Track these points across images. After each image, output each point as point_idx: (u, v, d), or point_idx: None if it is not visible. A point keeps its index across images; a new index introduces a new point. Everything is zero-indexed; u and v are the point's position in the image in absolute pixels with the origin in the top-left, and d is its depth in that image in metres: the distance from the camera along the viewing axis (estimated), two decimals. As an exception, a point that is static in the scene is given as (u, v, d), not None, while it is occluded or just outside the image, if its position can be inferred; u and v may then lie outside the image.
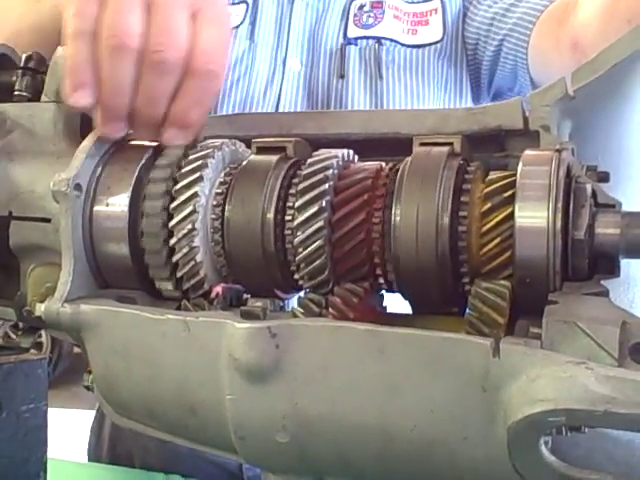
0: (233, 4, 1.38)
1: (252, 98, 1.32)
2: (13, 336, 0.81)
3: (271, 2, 1.38)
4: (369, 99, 1.31)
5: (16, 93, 0.75)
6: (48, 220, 0.67)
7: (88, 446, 1.44)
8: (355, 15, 1.36)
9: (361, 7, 1.37)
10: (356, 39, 1.34)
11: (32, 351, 0.81)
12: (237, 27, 1.36)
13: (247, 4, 1.38)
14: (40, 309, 0.64)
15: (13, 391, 0.76)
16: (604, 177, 0.59)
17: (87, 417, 1.53)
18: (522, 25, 1.28)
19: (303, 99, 1.32)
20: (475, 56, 1.37)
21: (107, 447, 1.39)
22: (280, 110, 1.30)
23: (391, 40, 1.34)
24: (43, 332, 0.79)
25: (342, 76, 1.31)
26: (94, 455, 1.42)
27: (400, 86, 1.32)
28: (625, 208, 0.56)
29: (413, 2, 1.39)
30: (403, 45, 1.34)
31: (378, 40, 1.33)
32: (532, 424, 0.45)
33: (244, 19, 1.36)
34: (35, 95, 0.74)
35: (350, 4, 1.38)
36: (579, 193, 0.55)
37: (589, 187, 0.55)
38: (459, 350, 0.50)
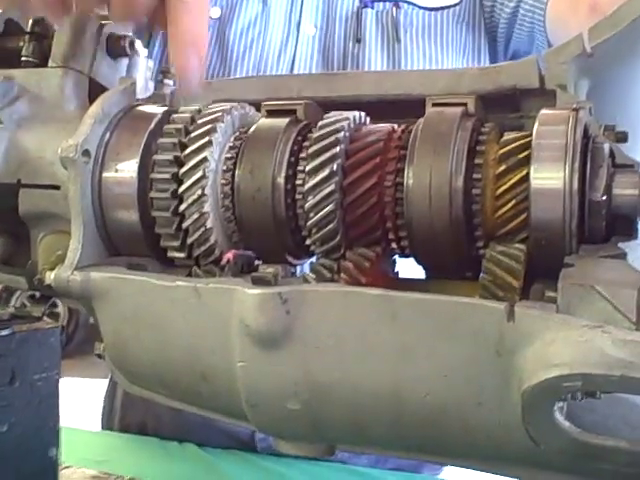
0: None
1: (266, 62, 1.30)
2: (13, 310, 0.81)
3: None
4: (386, 63, 1.29)
5: (23, 59, 0.74)
6: (57, 187, 0.67)
7: (101, 415, 1.45)
8: None
9: None
10: (372, 2, 1.31)
11: (45, 319, 0.81)
12: None
13: None
14: (50, 277, 0.64)
15: (26, 360, 0.76)
16: (622, 137, 0.57)
17: (104, 386, 1.53)
18: None
19: (318, 63, 1.30)
20: (492, 19, 1.34)
21: (119, 416, 1.40)
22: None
23: (408, 2, 1.31)
24: (59, 302, 0.79)
25: (358, 40, 1.29)
26: (107, 424, 1.43)
27: (418, 50, 1.29)
28: (645, 169, 0.55)
29: None
30: (421, 8, 1.31)
31: (395, 3, 1.31)
32: (547, 389, 0.44)
33: None
34: (42, 61, 0.73)
35: None
36: (596, 153, 0.53)
37: (607, 147, 0.54)
38: (473, 314, 0.49)
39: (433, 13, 1.31)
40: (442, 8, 1.32)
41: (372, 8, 1.31)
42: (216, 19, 1.32)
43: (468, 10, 1.34)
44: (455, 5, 1.32)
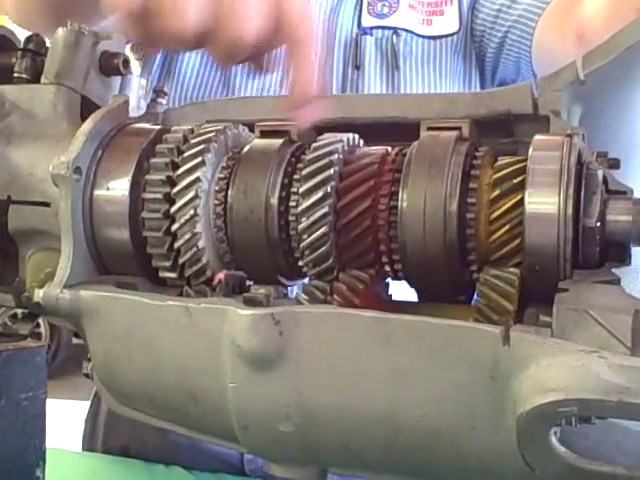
0: None
1: (269, 88, 1.30)
2: (11, 325, 0.80)
3: None
4: (385, 90, 1.29)
5: (15, 75, 0.73)
6: (48, 204, 0.66)
7: (82, 436, 1.43)
8: (369, 4, 1.34)
9: None
10: (371, 29, 1.32)
11: (30, 339, 0.80)
12: None
13: None
14: (39, 295, 0.63)
15: (12, 379, 0.75)
16: (615, 164, 0.57)
17: (86, 408, 1.51)
18: (527, 17, 1.27)
19: None
20: (480, 48, 1.36)
21: (102, 438, 1.38)
22: None
23: (407, 31, 1.32)
24: (41, 321, 0.78)
25: (357, 67, 1.29)
26: (88, 446, 1.40)
27: (417, 78, 1.30)
28: (637, 195, 0.55)
29: None
30: (419, 36, 1.32)
31: (395, 30, 1.32)
32: (543, 414, 0.44)
33: None
34: (35, 77, 0.73)
35: None
36: (590, 179, 0.54)
37: (600, 173, 0.54)
38: (468, 338, 0.49)
39: (432, 42, 1.32)
40: (440, 36, 1.33)
41: (371, 35, 1.32)
42: None
43: (464, 39, 1.35)
44: (453, 34, 1.34)
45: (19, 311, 0.77)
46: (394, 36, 1.31)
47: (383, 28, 1.32)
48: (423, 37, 1.32)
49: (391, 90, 1.29)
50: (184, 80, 1.32)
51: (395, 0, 1.34)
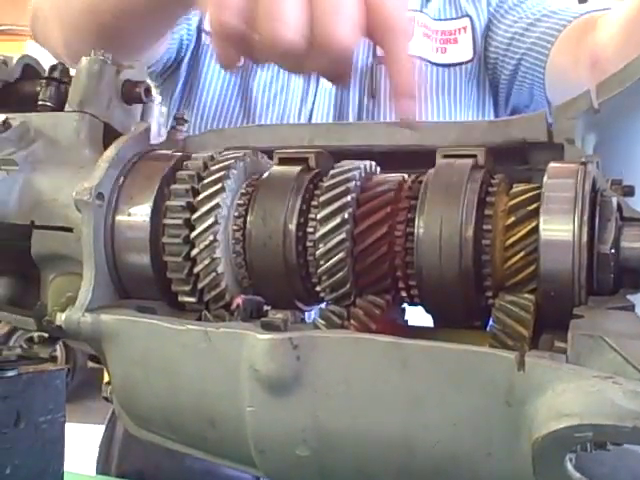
0: None
1: (288, 117, 1.32)
2: (20, 351, 0.81)
3: None
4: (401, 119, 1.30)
5: (40, 103, 0.75)
6: (70, 229, 0.67)
7: (97, 460, 1.43)
8: None
9: None
10: None
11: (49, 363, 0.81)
12: None
13: None
14: (61, 318, 0.64)
15: (32, 402, 0.76)
16: (629, 191, 0.58)
17: (100, 432, 1.52)
18: (540, 44, 1.28)
19: (335, 118, 1.31)
20: (494, 75, 1.37)
21: (116, 462, 1.38)
22: None
23: (421, 59, 1.33)
24: (57, 345, 0.79)
25: (373, 96, 1.31)
26: (102, 469, 1.40)
27: (432, 105, 1.32)
28: (651, 222, 0.56)
29: (441, 19, 1.39)
30: (434, 64, 1.34)
31: None
32: (558, 439, 0.44)
33: None
34: (59, 105, 0.74)
35: None
36: (605, 206, 0.54)
37: (615, 200, 0.55)
38: (483, 363, 0.49)
39: (447, 70, 1.33)
40: (454, 64, 1.34)
41: None
42: (237, 74, 1.34)
43: (478, 67, 1.36)
44: (468, 62, 1.35)
45: (35, 334, 0.78)
46: None
47: None
48: (437, 65, 1.34)
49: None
50: (204, 109, 1.34)
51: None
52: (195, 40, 1.39)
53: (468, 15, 1.38)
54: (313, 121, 1.31)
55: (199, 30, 1.39)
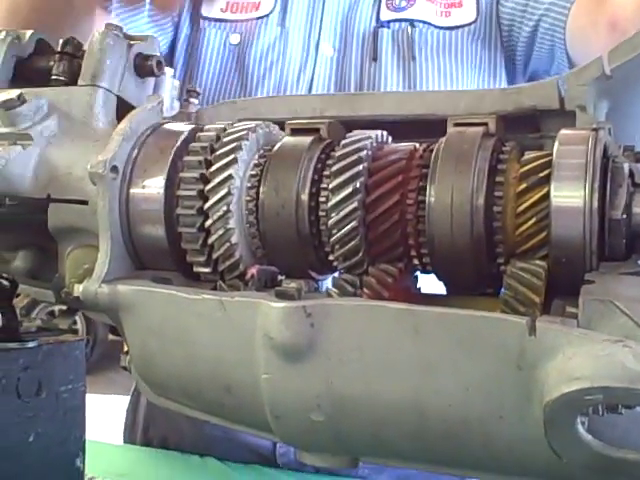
0: None
1: (285, 84, 1.32)
2: (40, 323, 0.82)
3: None
4: (402, 81, 1.30)
5: (53, 77, 0.76)
6: (85, 202, 0.68)
7: (123, 429, 1.46)
8: None
9: None
10: (389, 22, 1.33)
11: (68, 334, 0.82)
12: (268, 15, 1.36)
13: None
14: (78, 290, 0.65)
15: (52, 372, 0.77)
16: (642, 157, 0.58)
17: (123, 403, 1.54)
18: (559, 4, 1.26)
19: (336, 84, 1.32)
20: (510, 37, 1.35)
21: (141, 430, 1.41)
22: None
23: (424, 22, 1.33)
24: (78, 318, 0.80)
25: (375, 59, 1.30)
26: (129, 438, 1.44)
27: (433, 68, 1.31)
28: (663, 188, 0.56)
29: None
30: (436, 27, 1.33)
31: (411, 22, 1.33)
32: (569, 402, 0.45)
33: (274, 7, 1.36)
34: (72, 79, 0.75)
35: None
36: (616, 173, 0.54)
37: (626, 167, 0.55)
38: (495, 329, 0.50)
39: (449, 32, 1.33)
40: (457, 27, 1.33)
41: (388, 28, 1.33)
42: (235, 45, 1.35)
43: (484, 28, 1.35)
44: (470, 24, 1.34)
45: (56, 308, 0.80)
46: (410, 27, 1.31)
47: (400, 21, 1.33)
48: (440, 28, 1.33)
49: (408, 81, 1.30)
50: (205, 85, 1.35)
51: None
52: (190, 25, 1.40)
53: None
54: (314, 89, 1.31)
55: (194, 16, 1.40)
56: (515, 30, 1.33)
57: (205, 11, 1.39)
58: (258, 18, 1.36)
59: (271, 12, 1.36)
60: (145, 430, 1.40)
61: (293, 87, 1.31)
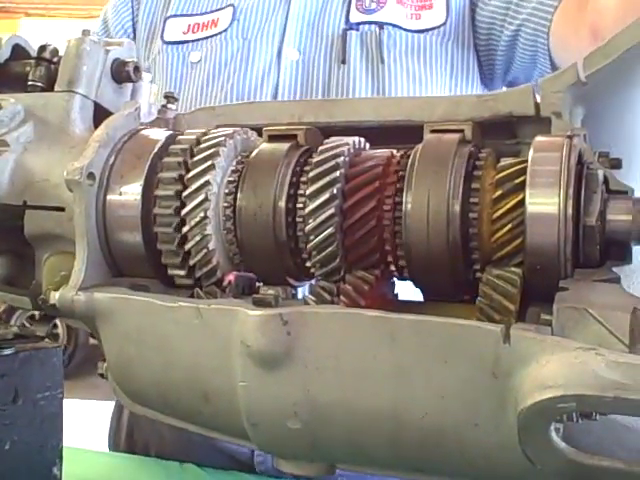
0: (218, 10, 1.40)
1: (249, 91, 1.32)
2: (17, 330, 0.82)
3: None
4: (371, 84, 1.30)
5: (30, 83, 0.75)
6: (62, 209, 0.68)
7: (108, 434, 1.45)
8: (358, 0, 1.36)
9: None
10: (358, 24, 1.33)
11: (47, 340, 0.82)
12: (226, 30, 1.37)
13: (233, 6, 1.40)
14: (55, 297, 0.65)
15: (29, 379, 0.77)
16: (616, 164, 0.58)
17: (104, 408, 1.54)
18: (542, 9, 1.25)
19: (302, 87, 1.31)
20: (489, 41, 1.34)
21: (125, 435, 1.40)
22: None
23: (393, 25, 1.32)
24: (59, 323, 0.80)
25: (343, 61, 1.30)
26: (113, 443, 1.43)
27: (402, 70, 1.30)
28: (638, 194, 0.56)
29: None
30: (406, 30, 1.33)
31: (380, 25, 1.32)
32: (542, 410, 0.45)
33: (232, 21, 1.38)
34: (49, 85, 0.74)
35: None
36: (591, 179, 0.55)
37: (601, 173, 0.55)
38: (470, 336, 0.50)
39: (417, 34, 1.33)
40: (427, 30, 1.33)
41: (357, 30, 1.33)
42: (195, 62, 1.37)
43: (456, 29, 1.34)
44: (440, 26, 1.34)
45: (37, 313, 0.79)
46: (378, 30, 1.31)
47: (370, 23, 1.33)
48: (409, 31, 1.33)
49: (377, 84, 1.30)
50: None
51: None
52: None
53: None
54: (279, 94, 1.31)
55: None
56: (495, 34, 1.33)
57: (167, 36, 1.42)
58: (217, 34, 1.37)
59: (229, 26, 1.38)
60: (129, 435, 1.40)
61: (257, 93, 1.31)
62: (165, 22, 1.43)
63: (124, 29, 1.48)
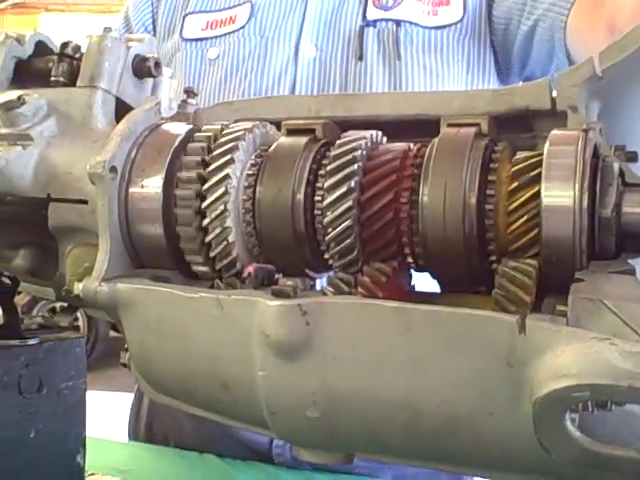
0: (236, 6, 1.42)
1: (267, 88, 1.33)
2: (41, 320, 0.84)
3: None
4: (387, 80, 1.30)
5: (52, 79, 0.77)
6: (85, 202, 0.69)
7: (128, 425, 1.47)
8: None
9: None
10: (375, 21, 1.34)
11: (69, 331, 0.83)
12: (244, 27, 1.39)
13: (251, 3, 1.41)
14: (79, 288, 0.66)
15: (53, 368, 0.79)
16: (632, 157, 0.59)
17: (123, 399, 1.56)
18: (559, 5, 1.25)
19: (319, 84, 1.32)
20: (506, 37, 1.35)
21: (144, 425, 1.43)
22: None
23: (410, 22, 1.33)
24: (79, 315, 0.81)
25: (360, 58, 1.31)
26: (133, 434, 1.45)
27: (419, 66, 1.31)
28: (654, 187, 0.57)
29: None
30: (423, 27, 1.33)
31: (397, 22, 1.33)
32: (557, 399, 0.46)
33: (249, 18, 1.39)
34: (71, 81, 0.76)
35: None
36: (606, 172, 0.55)
37: (616, 166, 0.56)
38: (485, 327, 0.51)
39: (434, 31, 1.33)
40: (444, 26, 1.34)
41: (374, 27, 1.34)
42: (213, 59, 1.39)
43: (472, 25, 1.35)
44: (457, 22, 1.34)
45: (57, 305, 0.81)
46: (395, 27, 1.32)
47: (387, 20, 1.34)
48: (426, 28, 1.33)
49: (393, 80, 1.30)
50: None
51: None
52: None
53: None
54: (297, 90, 1.32)
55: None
56: (512, 30, 1.33)
57: (186, 33, 1.44)
58: (235, 31, 1.39)
59: (247, 23, 1.39)
60: (148, 426, 1.42)
61: (274, 90, 1.33)
62: (184, 19, 1.45)
63: (144, 26, 1.50)
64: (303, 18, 1.36)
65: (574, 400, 0.46)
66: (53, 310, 0.85)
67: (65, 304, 0.78)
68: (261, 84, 1.33)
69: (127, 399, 1.54)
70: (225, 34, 1.41)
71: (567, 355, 0.46)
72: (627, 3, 1.08)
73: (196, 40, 1.42)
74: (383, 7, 1.35)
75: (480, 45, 1.35)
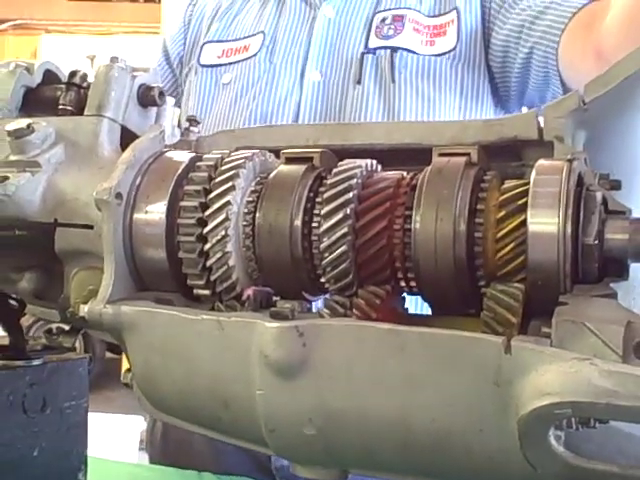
0: (251, 36, 1.50)
1: (272, 110, 1.38)
2: (45, 341, 0.85)
3: (290, 25, 1.46)
4: (382, 104, 1.35)
5: (60, 107, 0.80)
6: (91, 227, 0.72)
7: (145, 445, 1.51)
8: (377, 27, 1.41)
9: (383, 20, 1.42)
10: (375, 49, 1.39)
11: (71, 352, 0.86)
12: (256, 54, 1.47)
13: (264, 33, 1.49)
14: (84, 310, 0.68)
15: (56, 388, 0.81)
16: (616, 185, 0.62)
17: (120, 421, 1.58)
18: (550, 32, 1.28)
19: (322, 106, 1.37)
20: (505, 64, 1.37)
21: (159, 445, 1.45)
22: (300, 118, 1.38)
23: (408, 50, 1.37)
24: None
25: (359, 82, 1.36)
26: (150, 455, 1.48)
27: (412, 90, 1.35)
28: (637, 215, 0.59)
29: (433, 16, 1.42)
30: (419, 55, 1.38)
31: (394, 49, 1.38)
32: (540, 416, 0.48)
33: (261, 46, 1.47)
34: (78, 109, 0.79)
35: (373, 16, 1.42)
36: (589, 200, 0.58)
37: (599, 195, 0.58)
38: (474, 347, 0.53)
39: (428, 57, 1.37)
40: (439, 54, 1.38)
41: (374, 54, 1.39)
42: (226, 84, 1.47)
43: (466, 51, 1.38)
44: (450, 51, 1.38)
45: (54, 326, 0.83)
46: (391, 52, 1.37)
47: (385, 48, 1.38)
48: (422, 55, 1.38)
49: (387, 103, 1.35)
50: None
51: (400, 24, 1.40)
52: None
53: (456, 7, 1.40)
54: (301, 113, 1.38)
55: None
56: (510, 57, 1.36)
57: (203, 59, 1.53)
58: (247, 58, 1.47)
59: (259, 51, 1.46)
60: (162, 445, 1.45)
61: (280, 112, 1.38)
62: (202, 47, 1.54)
63: (179, 57, 1.61)
64: (309, 46, 1.43)
65: (556, 417, 0.49)
66: (49, 331, 0.87)
67: (62, 325, 0.80)
68: (267, 106, 1.39)
69: (123, 420, 1.55)
70: (238, 61, 1.48)
71: (550, 374, 0.49)
72: (614, 30, 1.11)
73: (211, 66, 1.51)
74: (384, 37, 1.40)
75: (474, 71, 1.38)
